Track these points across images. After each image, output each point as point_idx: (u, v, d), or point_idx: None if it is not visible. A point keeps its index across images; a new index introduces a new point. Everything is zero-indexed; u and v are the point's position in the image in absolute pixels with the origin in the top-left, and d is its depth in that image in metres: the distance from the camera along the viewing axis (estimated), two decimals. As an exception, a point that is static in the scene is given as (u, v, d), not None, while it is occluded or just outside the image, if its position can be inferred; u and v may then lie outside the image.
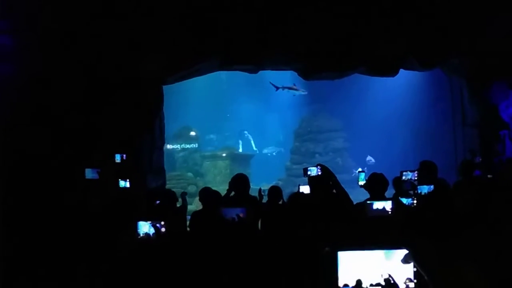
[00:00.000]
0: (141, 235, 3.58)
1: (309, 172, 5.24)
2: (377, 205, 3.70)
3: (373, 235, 3.24)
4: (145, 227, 3.59)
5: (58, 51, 7.01)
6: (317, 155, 19.48)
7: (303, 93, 18.86)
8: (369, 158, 17.31)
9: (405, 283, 1.10)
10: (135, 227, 3.58)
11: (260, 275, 3.17)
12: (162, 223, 3.55)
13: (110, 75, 7.23)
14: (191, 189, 17.37)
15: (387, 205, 3.68)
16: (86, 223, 4.29)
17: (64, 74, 7.00)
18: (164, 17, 7.60)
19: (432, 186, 4.73)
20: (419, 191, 4.74)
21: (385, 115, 17.19)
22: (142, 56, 7.47)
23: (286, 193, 5.03)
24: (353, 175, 14.78)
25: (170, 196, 4.95)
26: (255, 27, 7.91)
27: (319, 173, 5.13)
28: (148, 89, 7.63)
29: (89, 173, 5.69)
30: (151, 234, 3.54)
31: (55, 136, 6.64)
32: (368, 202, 3.75)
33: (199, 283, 3.24)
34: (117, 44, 7.32)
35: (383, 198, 4.30)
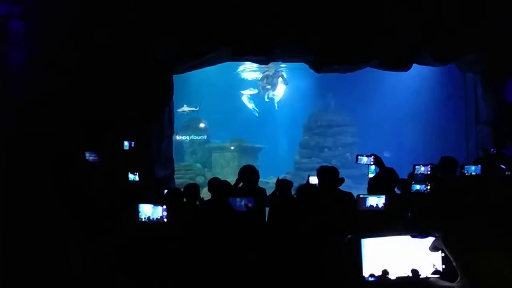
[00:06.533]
0: (143, 219, 3.47)
1: (359, 161, 5.22)
2: (371, 200, 3.60)
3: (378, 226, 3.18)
4: (147, 210, 3.47)
5: (70, 37, 6.99)
6: (326, 149, 19.41)
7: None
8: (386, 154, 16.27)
9: (432, 270, 1.04)
10: (136, 210, 3.46)
11: (267, 266, 3.13)
12: (164, 206, 3.47)
13: (121, 62, 7.20)
14: (199, 179, 17.50)
15: (381, 200, 3.59)
16: (87, 205, 4.27)
17: (75, 61, 6.99)
18: (175, 5, 7.54)
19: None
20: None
21: (396, 111, 17.02)
22: (152, 45, 7.43)
23: (293, 187, 4.98)
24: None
25: (192, 189, 4.87)
26: (268, 18, 7.82)
27: (371, 163, 5.10)
28: (158, 77, 7.60)
29: (89, 156, 5.67)
30: (154, 218, 3.45)
31: (65, 122, 6.64)
32: (362, 196, 3.65)
33: (203, 271, 3.20)
34: (128, 31, 7.28)
35: (390, 193, 4.24)
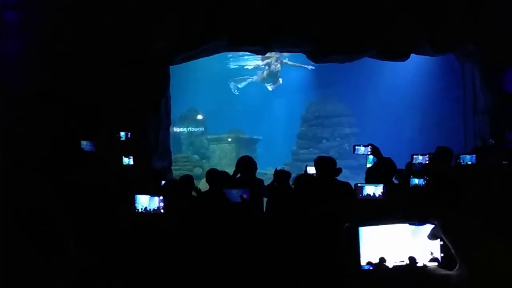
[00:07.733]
0: (139, 209, 3.45)
1: (356, 151, 5.13)
2: (368, 189, 3.58)
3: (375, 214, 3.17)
4: (144, 201, 3.44)
5: (65, 27, 6.92)
6: (324, 140, 19.39)
7: None
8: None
9: (430, 257, 1.03)
10: (133, 200, 3.44)
11: (264, 257, 3.13)
12: (161, 197, 3.45)
13: (117, 53, 7.14)
14: (197, 171, 17.47)
15: (378, 189, 3.57)
16: (84, 196, 4.25)
17: (70, 51, 6.92)
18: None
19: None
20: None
21: (394, 101, 16.98)
22: (149, 35, 7.36)
23: (291, 178, 4.96)
24: None
25: (187, 181, 4.81)
26: (265, 7, 7.74)
27: (368, 153, 5.01)
28: (155, 68, 7.54)
29: (85, 145, 5.63)
30: (151, 209, 3.43)
31: (61, 113, 6.60)
32: (359, 185, 3.63)
33: (199, 262, 3.20)
34: (124, 22, 7.21)
35: (388, 182, 4.22)
